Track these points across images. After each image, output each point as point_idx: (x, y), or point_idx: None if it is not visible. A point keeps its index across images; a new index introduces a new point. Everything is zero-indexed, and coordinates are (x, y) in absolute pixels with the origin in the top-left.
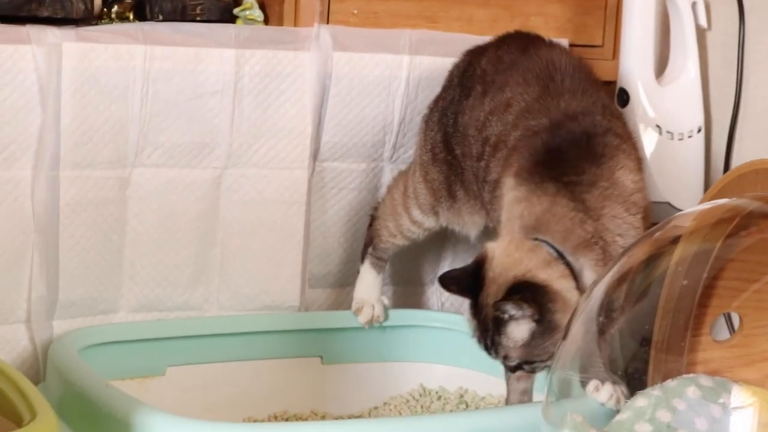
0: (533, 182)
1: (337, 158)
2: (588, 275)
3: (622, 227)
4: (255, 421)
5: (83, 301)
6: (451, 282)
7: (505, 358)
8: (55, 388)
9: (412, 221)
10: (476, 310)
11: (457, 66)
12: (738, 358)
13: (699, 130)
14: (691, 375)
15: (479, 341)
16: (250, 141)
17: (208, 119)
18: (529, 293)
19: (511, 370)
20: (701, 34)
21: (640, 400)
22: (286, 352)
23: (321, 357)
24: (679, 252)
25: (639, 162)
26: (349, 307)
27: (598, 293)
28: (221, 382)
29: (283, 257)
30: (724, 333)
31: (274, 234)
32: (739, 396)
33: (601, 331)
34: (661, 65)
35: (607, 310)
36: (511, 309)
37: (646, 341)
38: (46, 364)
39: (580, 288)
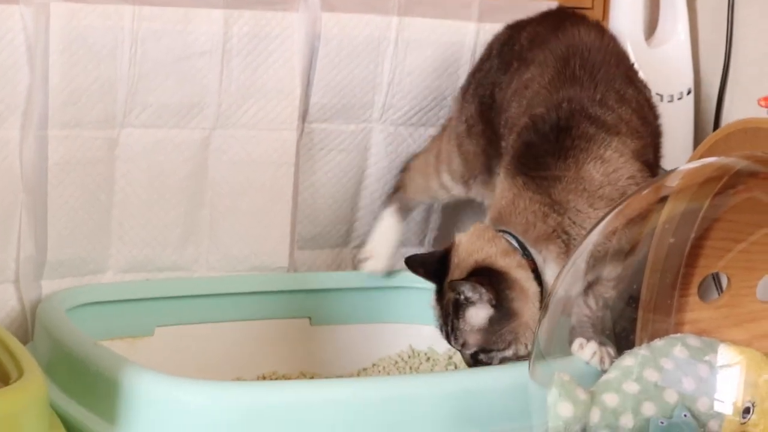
0: (509, 176)
1: (326, 119)
2: (551, 267)
3: (587, 222)
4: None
5: (72, 261)
6: (417, 265)
7: (464, 346)
8: (44, 348)
9: (441, 185)
10: (440, 296)
11: (497, 38)
12: (725, 319)
13: (688, 92)
14: (678, 335)
15: (441, 328)
16: (238, 102)
17: (197, 80)
18: (486, 277)
19: (469, 361)
20: None
21: (628, 360)
22: (275, 313)
23: (310, 318)
24: (666, 210)
25: (622, 152)
26: (338, 269)
27: (585, 251)
28: (210, 343)
29: (272, 218)
30: (712, 293)
31: (263, 195)
32: (726, 355)
33: (588, 290)
34: (651, 27)
35: (594, 268)
36: (467, 290)
37: (633, 300)
38: (34, 323)
39: (544, 280)
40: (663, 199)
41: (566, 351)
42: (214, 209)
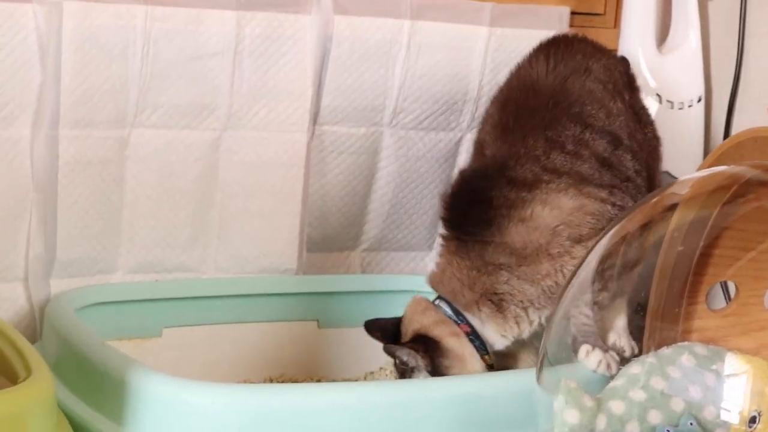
0: (443, 237)
1: (336, 122)
2: (490, 327)
3: (514, 280)
4: (251, 383)
5: (81, 260)
6: (375, 329)
7: None
8: (52, 347)
9: None
10: (395, 364)
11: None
12: (733, 327)
13: (699, 100)
14: (686, 343)
15: None
16: (250, 103)
17: (208, 80)
18: (422, 344)
19: None
20: (703, 3)
21: (635, 367)
22: (283, 316)
23: (317, 321)
24: (676, 218)
25: (547, 203)
26: (346, 272)
27: (592, 260)
28: (218, 345)
29: (282, 220)
30: (720, 302)
31: (273, 197)
32: (733, 363)
33: (596, 298)
34: (663, 34)
35: (601, 276)
36: (402, 355)
37: (641, 308)
38: (42, 323)
39: (485, 340)
40: (672, 207)
41: (573, 358)
42: (224, 210)
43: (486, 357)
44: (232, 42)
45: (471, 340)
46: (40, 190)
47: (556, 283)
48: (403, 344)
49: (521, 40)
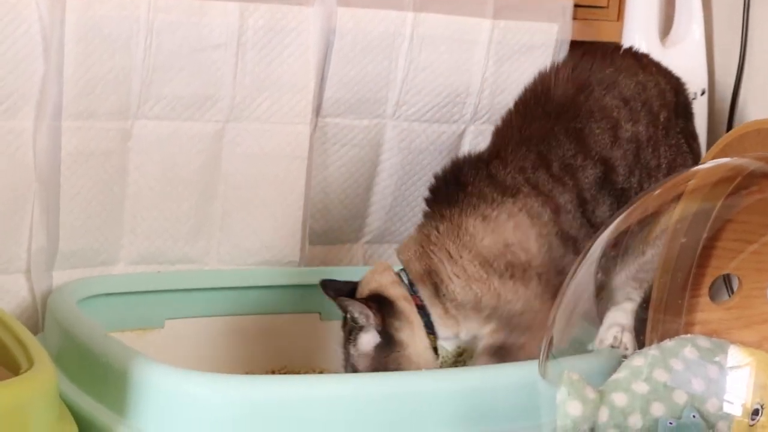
0: (423, 208)
1: (339, 114)
2: (434, 311)
3: (456, 269)
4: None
5: (83, 252)
6: (330, 288)
7: (354, 372)
8: (54, 339)
9: None
10: (344, 322)
11: None
12: (736, 320)
13: (702, 93)
14: (688, 335)
15: (342, 354)
16: (253, 95)
17: (211, 72)
18: (375, 303)
19: None
20: None
21: (637, 360)
22: (285, 308)
23: (320, 313)
24: (679, 210)
25: (512, 215)
26: (349, 264)
27: (596, 251)
28: (220, 336)
29: (284, 212)
30: (722, 294)
31: (276, 189)
32: (736, 356)
33: (599, 289)
34: (666, 27)
35: (605, 267)
36: (355, 310)
37: (644, 300)
38: (45, 314)
39: (430, 317)
40: (676, 199)
41: (577, 350)
42: (227, 202)
43: (431, 336)
44: (235, 34)
45: (420, 315)
46: (43, 182)
47: (475, 295)
48: (358, 299)
49: (524, 33)
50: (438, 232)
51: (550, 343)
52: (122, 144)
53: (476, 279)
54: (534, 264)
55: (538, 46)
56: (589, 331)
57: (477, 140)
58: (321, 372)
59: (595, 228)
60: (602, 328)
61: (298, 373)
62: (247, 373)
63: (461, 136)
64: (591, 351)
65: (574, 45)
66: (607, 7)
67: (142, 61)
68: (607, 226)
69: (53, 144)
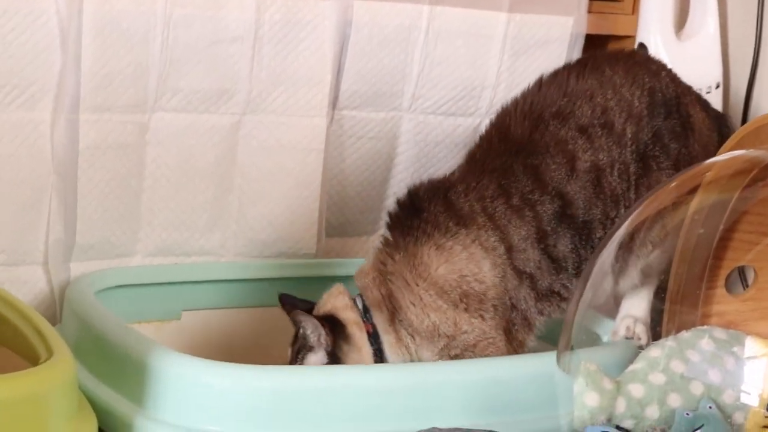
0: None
1: (355, 107)
2: (386, 339)
3: (412, 297)
4: None
5: (100, 244)
6: (287, 302)
7: None
8: (72, 330)
9: None
10: (294, 340)
11: None
12: (752, 312)
13: (717, 86)
14: (705, 327)
15: None
16: (269, 88)
17: (228, 65)
18: (329, 324)
19: None
20: None
21: (654, 351)
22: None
23: None
24: (696, 201)
25: (466, 246)
26: (364, 256)
27: (613, 243)
28: (236, 328)
29: (301, 204)
30: (738, 286)
31: (292, 181)
32: (752, 347)
33: (616, 280)
34: (681, 20)
35: (622, 259)
36: (308, 327)
37: (661, 291)
38: (62, 306)
39: (380, 345)
40: (693, 191)
41: (593, 341)
42: (243, 195)
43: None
44: (251, 27)
45: (371, 342)
46: (61, 174)
47: (433, 324)
48: (314, 315)
49: (540, 26)
50: (393, 260)
51: (568, 334)
52: (139, 137)
53: (433, 308)
54: (489, 295)
55: (553, 39)
56: (605, 322)
57: None
58: None
59: (554, 261)
60: (616, 320)
61: None
62: (263, 364)
63: (476, 129)
64: (606, 342)
65: (589, 38)
66: (623, 1)
67: (159, 54)
68: (624, 218)
69: (71, 136)
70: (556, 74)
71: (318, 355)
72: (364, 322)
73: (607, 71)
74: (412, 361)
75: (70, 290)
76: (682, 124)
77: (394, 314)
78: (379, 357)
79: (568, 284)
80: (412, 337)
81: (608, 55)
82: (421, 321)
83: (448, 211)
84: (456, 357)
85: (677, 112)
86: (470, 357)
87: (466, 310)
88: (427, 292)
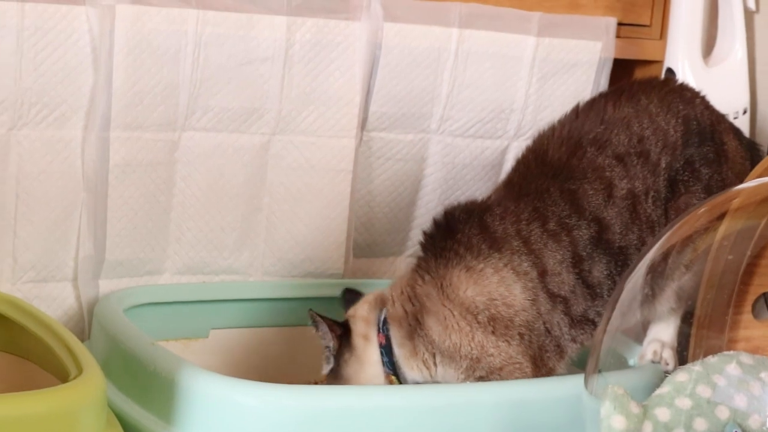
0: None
1: (384, 128)
2: (401, 353)
3: (437, 318)
4: None
5: (129, 261)
6: (346, 300)
7: None
8: (100, 347)
9: None
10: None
11: None
12: None
13: (744, 112)
14: (732, 352)
15: None
16: (299, 108)
17: (258, 85)
18: (341, 329)
19: None
20: (749, 16)
21: (681, 375)
22: None
23: None
24: (724, 227)
25: (498, 270)
26: (391, 276)
27: (642, 268)
28: (263, 347)
29: (329, 225)
30: (765, 312)
31: (320, 201)
32: None
33: (644, 305)
34: (709, 46)
35: (650, 284)
36: (321, 328)
37: (688, 315)
38: (91, 322)
39: (398, 364)
40: (721, 217)
41: (621, 365)
42: (272, 214)
43: (392, 377)
44: (282, 47)
45: (382, 353)
46: (91, 191)
47: (454, 345)
48: (327, 319)
49: (568, 50)
50: (423, 280)
51: (596, 357)
52: (169, 155)
53: (455, 329)
54: (517, 320)
55: (581, 63)
56: (633, 346)
57: None
58: None
59: (589, 287)
60: (644, 344)
61: None
62: (290, 383)
63: (504, 151)
64: (633, 366)
65: (617, 63)
66: (650, 25)
67: (190, 73)
68: (653, 242)
69: (101, 154)
70: (593, 102)
71: (329, 360)
72: (379, 332)
73: (643, 100)
74: (432, 377)
75: (100, 307)
76: (715, 151)
77: (414, 331)
78: (392, 369)
79: (602, 311)
80: (433, 355)
81: (643, 83)
82: (443, 340)
83: (483, 234)
84: (481, 379)
85: (711, 140)
86: (497, 380)
87: (493, 333)
88: (451, 313)
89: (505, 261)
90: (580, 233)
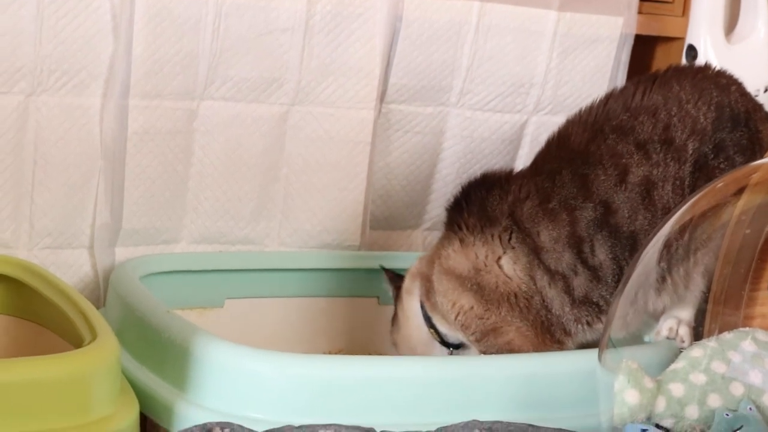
0: None
1: (403, 101)
2: (424, 303)
3: (441, 287)
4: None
5: (146, 230)
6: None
7: None
8: (115, 314)
9: None
10: None
11: None
12: None
13: (766, 90)
14: (747, 328)
15: None
16: (318, 79)
17: (278, 55)
18: (401, 280)
19: None
20: None
21: (696, 351)
22: (344, 291)
23: (378, 297)
24: (743, 202)
25: (516, 261)
26: (408, 250)
27: (658, 242)
28: (278, 317)
29: (346, 196)
30: None
31: (338, 173)
32: None
33: (660, 280)
34: (731, 24)
35: (667, 258)
36: (385, 279)
37: (704, 292)
38: (106, 290)
39: (428, 314)
40: (740, 192)
41: (636, 339)
42: (289, 185)
43: (432, 331)
44: (302, 18)
45: (421, 305)
46: (108, 159)
47: (447, 311)
48: (390, 272)
49: (590, 26)
50: (438, 247)
51: (610, 331)
52: (188, 124)
53: (446, 295)
54: (503, 289)
55: (602, 39)
56: (648, 322)
57: (539, 131)
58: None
59: (591, 269)
60: (661, 320)
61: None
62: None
63: (523, 126)
64: (648, 342)
65: (639, 39)
66: (673, 2)
67: (210, 43)
68: (669, 217)
69: (120, 122)
70: (625, 89)
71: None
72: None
73: (675, 86)
74: (455, 333)
75: (116, 275)
76: (749, 138)
77: (429, 292)
78: (429, 322)
79: (607, 296)
80: (444, 317)
81: (677, 69)
82: (442, 306)
83: (482, 210)
84: (478, 341)
85: (746, 126)
86: (493, 342)
87: (482, 298)
88: (447, 279)
89: (497, 233)
90: (583, 214)
